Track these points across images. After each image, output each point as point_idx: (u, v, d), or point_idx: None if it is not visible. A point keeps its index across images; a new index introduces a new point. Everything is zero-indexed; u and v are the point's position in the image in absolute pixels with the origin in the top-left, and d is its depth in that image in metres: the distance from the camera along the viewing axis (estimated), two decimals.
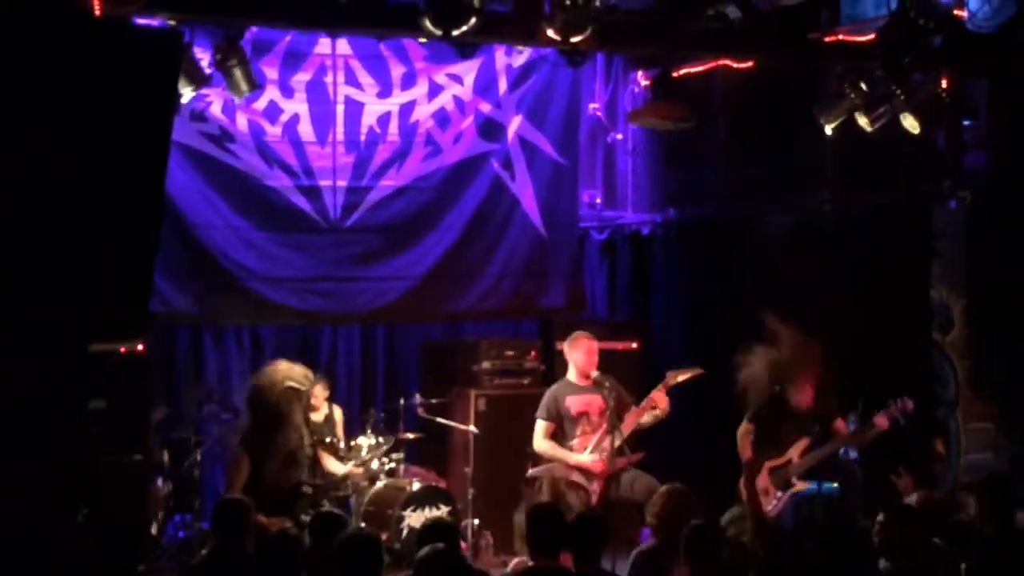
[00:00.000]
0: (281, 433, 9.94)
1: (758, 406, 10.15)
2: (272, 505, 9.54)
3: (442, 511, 10.83)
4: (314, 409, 11.24)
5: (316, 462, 10.52)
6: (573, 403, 10.26)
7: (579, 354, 10.35)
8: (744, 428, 10.16)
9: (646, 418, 10.14)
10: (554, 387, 10.50)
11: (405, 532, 10.75)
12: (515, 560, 10.42)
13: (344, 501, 10.97)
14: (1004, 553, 7.05)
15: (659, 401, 10.05)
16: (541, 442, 10.29)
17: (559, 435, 10.25)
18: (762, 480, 10.03)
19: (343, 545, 6.34)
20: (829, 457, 9.97)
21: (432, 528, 7.00)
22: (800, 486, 9.90)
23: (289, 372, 10.25)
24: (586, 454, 10.16)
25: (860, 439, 10.02)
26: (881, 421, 9.82)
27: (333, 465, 10.76)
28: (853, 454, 10.62)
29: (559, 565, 6.99)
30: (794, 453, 9.98)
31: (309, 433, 10.33)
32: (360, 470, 10.95)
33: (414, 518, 10.78)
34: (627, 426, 10.06)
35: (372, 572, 6.32)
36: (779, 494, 9.94)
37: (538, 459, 10.57)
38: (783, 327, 10.16)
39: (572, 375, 10.39)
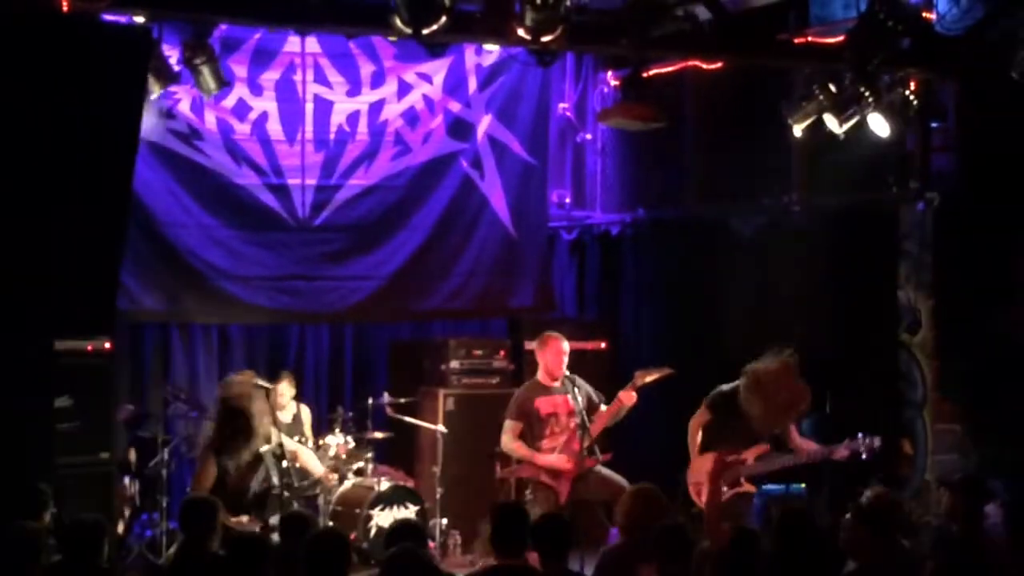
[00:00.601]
0: (247, 436, 9.82)
1: (718, 395, 9.76)
2: (238, 507, 9.50)
3: (410, 510, 10.83)
4: (280, 408, 11.20)
5: (285, 461, 10.45)
6: (542, 404, 10.22)
7: (548, 355, 10.31)
8: (699, 417, 9.76)
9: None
10: (523, 387, 10.47)
11: (373, 531, 10.74)
12: (482, 561, 10.41)
13: (312, 501, 10.95)
14: (969, 553, 7.06)
15: (627, 401, 10.01)
16: (509, 443, 10.25)
17: (528, 436, 10.21)
18: (699, 474, 9.55)
19: (311, 544, 6.31)
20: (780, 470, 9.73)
21: (400, 528, 6.98)
22: (747, 488, 9.66)
23: (253, 378, 10.15)
24: (554, 454, 10.13)
25: (817, 458, 9.70)
26: (841, 452, 9.48)
27: (312, 463, 10.69)
28: None
29: (525, 564, 6.97)
30: (750, 455, 9.60)
31: (279, 433, 10.26)
32: (335, 475, 10.91)
33: (382, 517, 10.78)
34: (596, 427, 10.01)
35: (339, 571, 6.30)
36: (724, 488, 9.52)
37: (506, 460, 10.56)
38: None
39: (541, 375, 10.36)
